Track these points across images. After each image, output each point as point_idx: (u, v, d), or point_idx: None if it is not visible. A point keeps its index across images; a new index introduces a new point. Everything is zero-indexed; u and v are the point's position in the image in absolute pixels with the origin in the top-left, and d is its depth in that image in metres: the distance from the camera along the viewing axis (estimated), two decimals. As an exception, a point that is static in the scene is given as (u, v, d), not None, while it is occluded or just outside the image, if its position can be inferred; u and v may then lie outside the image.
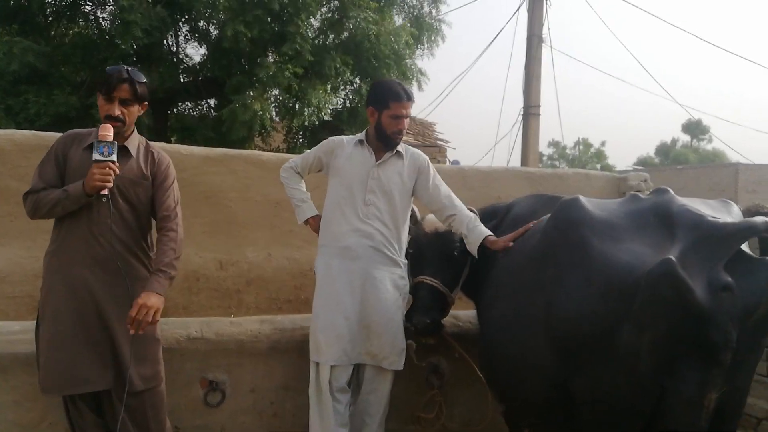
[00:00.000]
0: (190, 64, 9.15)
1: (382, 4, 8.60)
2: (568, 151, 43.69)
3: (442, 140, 11.25)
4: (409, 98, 2.76)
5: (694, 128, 40.00)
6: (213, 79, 8.66)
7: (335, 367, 2.63)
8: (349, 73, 8.13)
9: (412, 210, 2.99)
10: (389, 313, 2.69)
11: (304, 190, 2.94)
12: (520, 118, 11.46)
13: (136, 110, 2.42)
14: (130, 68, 2.37)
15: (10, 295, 3.58)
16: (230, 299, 4.00)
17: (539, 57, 11.13)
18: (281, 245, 4.11)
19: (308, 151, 2.98)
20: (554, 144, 43.11)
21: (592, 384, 1.87)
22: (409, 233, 2.98)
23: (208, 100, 9.42)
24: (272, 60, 7.23)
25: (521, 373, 2.15)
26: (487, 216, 3.03)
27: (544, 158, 42.94)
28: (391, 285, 2.73)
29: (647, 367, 1.71)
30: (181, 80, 8.89)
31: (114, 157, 2.24)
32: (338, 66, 7.72)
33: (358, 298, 2.66)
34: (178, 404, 2.87)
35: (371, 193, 2.73)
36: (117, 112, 2.32)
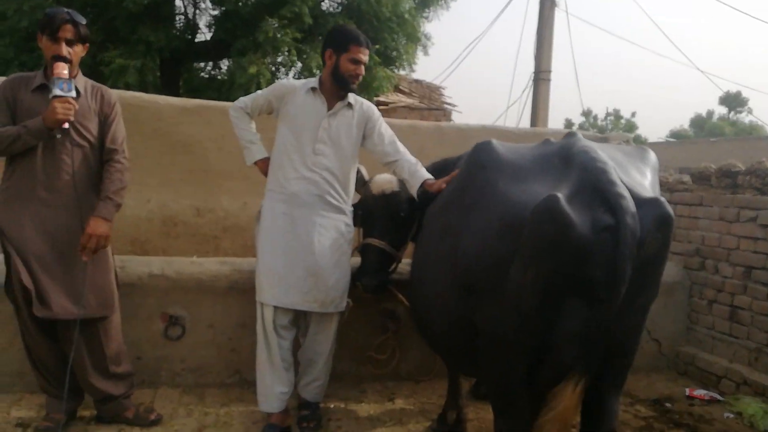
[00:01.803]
0: (199, 26, 9.19)
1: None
2: (600, 122, 42.45)
3: (448, 104, 11.15)
4: (368, 45, 2.77)
5: (732, 101, 37.82)
6: (222, 42, 8.68)
7: (278, 307, 2.70)
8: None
9: (360, 172, 3.00)
10: (334, 258, 2.74)
11: (254, 131, 2.89)
12: (531, 83, 11.24)
13: (80, 50, 2.49)
14: (69, 10, 2.44)
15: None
16: (207, 245, 4.14)
17: (551, 21, 10.82)
18: (256, 195, 4.14)
19: (259, 91, 2.95)
20: (586, 113, 41.85)
21: (488, 319, 1.92)
22: (359, 194, 3.03)
23: (218, 62, 9.47)
24: (273, 24, 7.20)
25: (434, 311, 2.22)
26: (438, 168, 3.06)
27: (574, 127, 41.92)
28: (336, 231, 2.77)
29: (532, 302, 1.75)
30: (192, 41, 8.93)
31: (73, 93, 2.35)
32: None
33: (303, 245, 2.68)
34: (140, 337, 3.04)
35: (321, 143, 2.73)
36: (65, 52, 2.39)
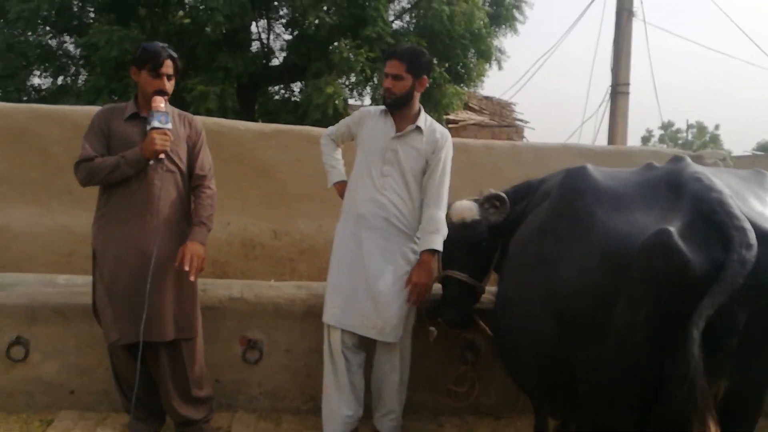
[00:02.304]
0: (275, 51, 9.48)
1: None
2: (680, 134, 40.23)
3: (520, 120, 10.89)
4: (393, 56, 2.69)
5: None
6: (296, 65, 8.92)
7: (344, 329, 2.67)
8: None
9: None
10: (396, 286, 2.66)
11: (338, 157, 2.99)
12: (608, 97, 10.81)
13: (173, 84, 2.59)
14: (165, 45, 2.55)
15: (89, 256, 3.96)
16: (284, 267, 4.17)
17: (629, 32, 10.40)
18: (332, 218, 4.16)
19: (343, 119, 3.03)
20: (666, 126, 39.70)
21: (589, 360, 1.77)
22: None
23: (292, 86, 9.72)
24: (347, 45, 7.32)
25: (522, 347, 2.08)
26: (521, 194, 2.91)
27: (653, 140, 39.93)
28: (401, 258, 2.71)
29: (641, 344, 1.60)
30: (266, 66, 9.23)
31: (170, 125, 2.47)
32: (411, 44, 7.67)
33: (365, 267, 2.65)
34: (219, 359, 3.06)
35: (388, 165, 2.71)
36: (166, 87, 2.52)
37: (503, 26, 9.72)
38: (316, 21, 7.36)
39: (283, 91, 10.10)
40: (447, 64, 8.59)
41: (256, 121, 9.10)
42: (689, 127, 40.21)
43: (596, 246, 1.74)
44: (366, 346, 2.78)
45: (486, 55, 8.97)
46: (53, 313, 2.91)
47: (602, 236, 1.74)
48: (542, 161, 4.21)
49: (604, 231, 1.74)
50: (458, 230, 2.76)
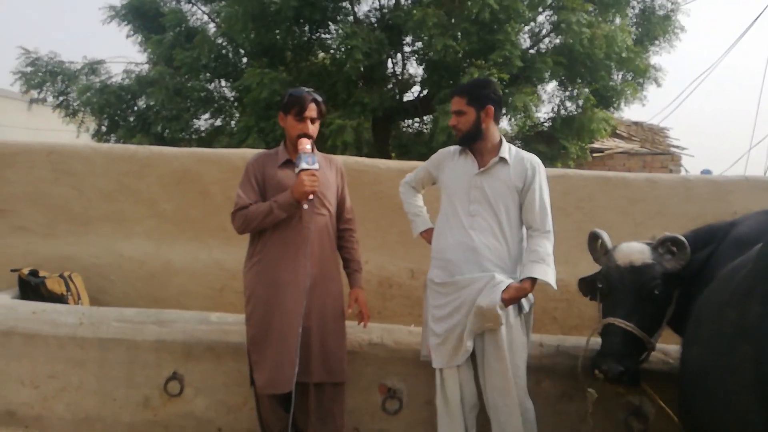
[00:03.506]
0: (409, 83, 9.62)
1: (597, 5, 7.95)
2: None
3: (676, 146, 9.86)
4: (453, 94, 2.67)
5: None
6: (429, 97, 8.97)
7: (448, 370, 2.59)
8: (562, 76, 7.65)
9: (601, 237, 2.63)
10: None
11: (420, 204, 2.93)
12: (783, 118, 9.48)
13: (318, 126, 2.61)
14: (310, 89, 2.58)
15: (239, 290, 4.16)
16: (420, 307, 4.01)
17: (811, 43, 9.10)
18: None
19: (422, 164, 2.94)
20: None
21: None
22: (599, 265, 2.64)
23: (424, 117, 9.78)
24: (477, 69, 7.18)
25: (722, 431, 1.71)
26: (703, 239, 2.51)
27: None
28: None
29: None
30: (401, 99, 9.39)
31: (317, 166, 2.49)
32: (549, 69, 7.33)
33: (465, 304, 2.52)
34: (358, 406, 2.99)
35: (475, 204, 2.56)
36: (310, 130, 2.56)
37: (655, 42, 8.97)
38: (443, 49, 7.30)
39: (417, 125, 10.21)
40: (591, 88, 8.09)
41: (389, 153, 9.26)
42: None
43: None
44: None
45: (640, 73, 8.28)
46: (206, 350, 3.03)
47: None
48: (720, 197, 3.68)
49: None
50: (625, 274, 2.45)
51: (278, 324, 2.46)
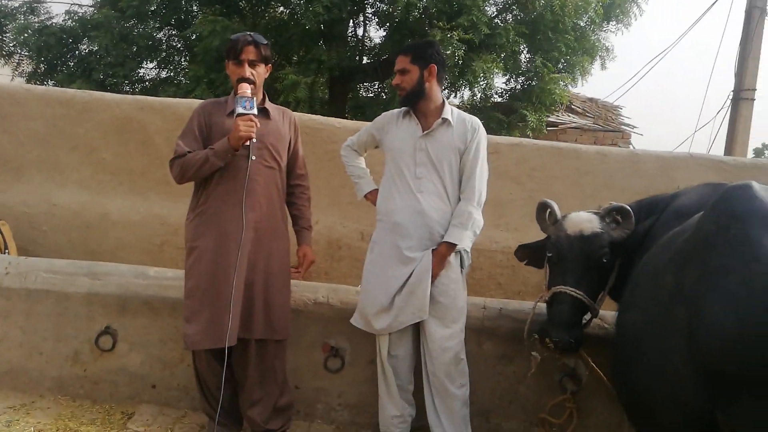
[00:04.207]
0: (370, 45, 9.44)
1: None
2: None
3: (627, 125, 10.14)
4: (398, 53, 2.64)
5: None
6: (389, 60, 8.83)
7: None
8: (523, 48, 7.66)
9: (551, 207, 2.67)
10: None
11: (363, 166, 2.92)
12: (728, 102, 9.85)
13: (263, 71, 2.50)
14: (252, 33, 2.47)
15: (181, 246, 4.03)
16: (369, 271, 4.03)
17: (760, 33, 9.42)
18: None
19: (364, 127, 2.92)
20: (779, 142, 36.15)
21: (747, 424, 1.46)
22: (547, 234, 2.68)
23: (384, 82, 9.65)
24: (440, 31, 7.07)
25: (652, 395, 1.77)
26: (646, 210, 2.59)
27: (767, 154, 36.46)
28: (453, 272, 2.57)
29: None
30: (360, 60, 9.21)
31: (255, 111, 2.37)
32: (511, 38, 7.30)
33: (404, 275, 2.55)
34: (300, 365, 2.97)
35: (421, 166, 2.57)
36: (248, 73, 2.42)
37: (613, 21, 9.08)
38: (405, 8, 7.14)
39: (375, 87, 10.07)
40: (551, 55, 8.14)
41: (345, 115, 9.12)
42: (812, 140, 36.18)
43: (761, 282, 1.43)
44: (414, 352, 2.72)
45: (591, 52, 8.41)
46: (142, 304, 2.93)
47: (770, 271, 1.42)
48: (665, 173, 3.79)
49: (773, 266, 1.42)
50: (575, 243, 2.48)
51: (219, 277, 2.38)
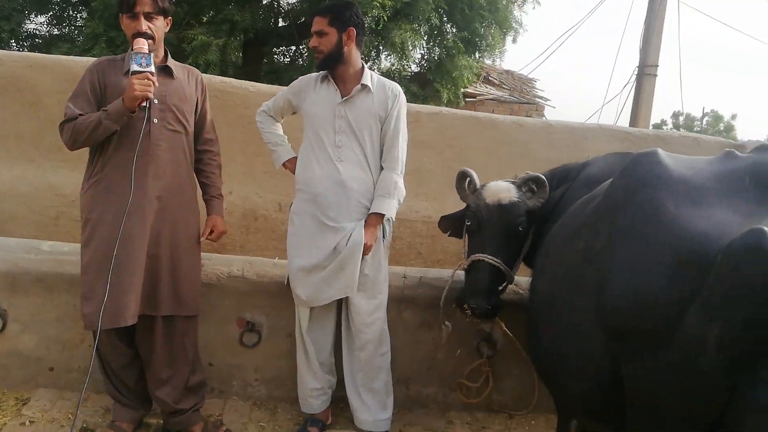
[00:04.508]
0: (286, 8, 9.09)
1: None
2: (695, 123, 39.55)
3: (541, 97, 10.54)
4: (315, 14, 2.55)
5: None
6: (306, 24, 8.57)
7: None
8: (438, 20, 7.67)
9: (470, 176, 2.70)
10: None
11: (280, 133, 2.81)
12: (634, 77, 10.45)
13: (162, 24, 2.32)
14: None
15: (78, 219, 3.75)
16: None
17: (663, 11, 10.00)
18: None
19: (280, 91, 2.83)
20: (677, 115, 39.31)
21: (646, 378, 1.55)
22: (466, 203, 2.72)
23: (301, 46, 9.38)
24: (358, -5, 6.94)
25: (563, 354, 1.86)
26: (559, 179, 2.69)
27: (666, 128, 39.40)
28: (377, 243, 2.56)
29: (714, 363, 1.37)
30: (277, 24, 8.87)
31: (152, 69, 2.17)
32: (431, 10, 7.29)
33: (326, 246, 2.52)
34: (213, 340, 2.87)
35: (341, 134, 2.52)
36: (144, 27, 2.23)
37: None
38: None
39: (292, 52, 9.76)
40: (464, 34, 8.23)
41: (260, 80, 8.79)
42: (704, 115, 39.59)
43: (665, 245, 1.51)
44: (335, 325, 2.71)
45: (504, 25, 8.58)
46: (35, 281, 2.71)
47: (673, 234, 1.51)
48: (577, 143, 3.96)
49: (675, 228, 1.51)
50: (493, 212, 2.54)
51: (119, 250, 2.21)
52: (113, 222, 2.23)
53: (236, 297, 2.87)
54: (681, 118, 38.52)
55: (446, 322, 2.72)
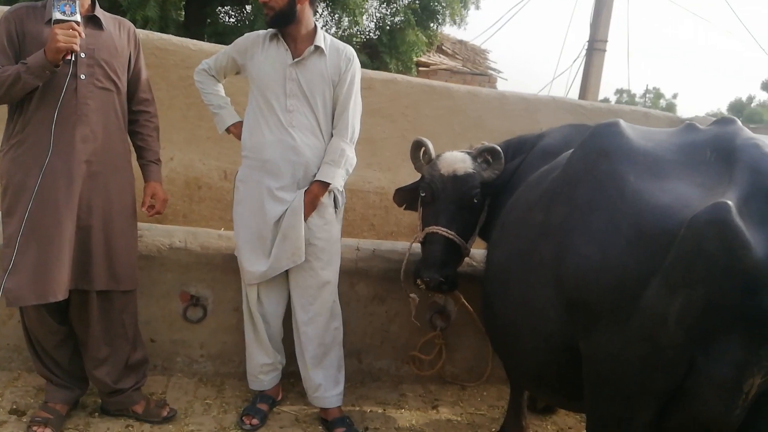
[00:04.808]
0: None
1: None
2: (637, 99, 41.10)
3: (493, 69, 10.57)
4: None
5: None
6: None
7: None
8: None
9: (425, 146, 2.64)
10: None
11: (222, 94, 2.62)
12: (584, 52, 10.62)
13: None
14: None
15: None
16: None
17: (613, -14, 10.14)
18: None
19: (222, 49, 2.65)
20: (621, 92, 40.73)
21: (605, 351, 1.55)
22: (421, 173, 2.66)
23: (246, 6, 8.99)
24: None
25: (518, 327, 1.85)
26: (514, 150, 2.67)
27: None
28: (319, 211, 2.46)
29: (674, 337, 1.39)
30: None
31: (78, 18, 1.97)
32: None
33: (274, 220, 2.41)
34: (155, 316, 2.75)
35: (293, 98, 2.39)
36: None
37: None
38: None
39: (237, 13, 9.36)
40: (413, 6, 8.11)
41: (202, 40, 8.39)
42: (647, 92, 41.29)
43: (626, 218, 1.51)
44: (285, 299, 2.62)
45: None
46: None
47: (634, 207, 1.50)
48: (530, 114, 3.96)
49: (637, 200, 1.50)
50: (448, 183, 2.49)
51: (46, 220, 2.03)
52: (37, 188, 2.04)
53: (179, 270, 2.74)
54: (625, 95, 40.04)
55: (412, 294, 2.69)
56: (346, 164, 2.47)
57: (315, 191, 2.42)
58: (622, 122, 1.69)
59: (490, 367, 3.05)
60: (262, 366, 2.59)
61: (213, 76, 2.60)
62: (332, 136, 2.48)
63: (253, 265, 2.45)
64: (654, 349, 1.41)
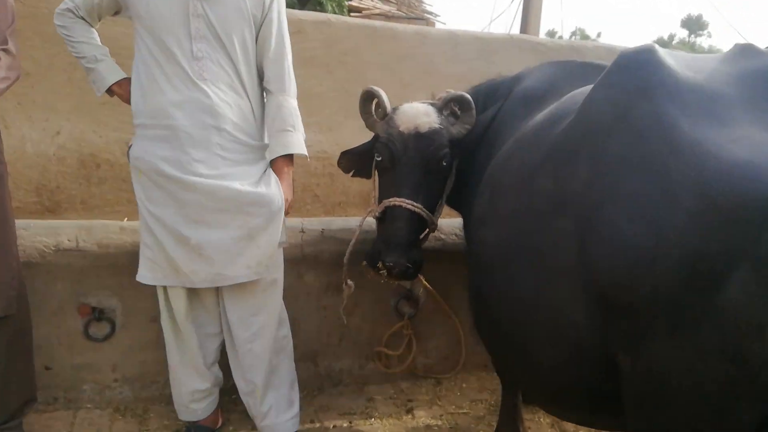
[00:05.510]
0: None
1: None
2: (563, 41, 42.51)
3: (430, 12, 10.03)
4: None
5: (693, 24, 40.86)
6: None
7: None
8: None
9: (379, 97, 2.14)
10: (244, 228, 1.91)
11: (98, 43, 2.02)
12: (522, -8, 10.28)
13: None
14: None
15: None
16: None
17: None
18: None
19: None
20: (551, 34, 41.75)
21: (659, 371, 1.16)
22: (375, 131, 2.18)
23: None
24: None
25: (530, 335, 1.44)
26: (484, 98, 2.23)
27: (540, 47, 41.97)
28: (252, 184, 1.93)
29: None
30: None
31: None
32: None
33: (198, 203, 1.88)
34: (47, 338, 2.22)
35: (201, 41, 1.85)
36: None
37: None
38: None
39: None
40: None
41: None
42: (573, 34, 42.54)
43: (684, 181, 1.10)
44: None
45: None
46: None
47: (695, 165, 1.09)
48: (486, 56, 3.52)
49: (698, 156, 1.09)
50: (410, 143, 2.03)
51: None
52: None
53: (72, 277, 2.20)
54: (557, 36, 40.91)
55: (348, 281, 2.22)
56: (299, 125, 2.01)
57: (285, 170, 1.97)
58: (658, 48, 1.26)
59: (465, 352, 2.69)
60: (193, 393, 2.10)
61: (82, 17, 1.96)
62: (264, 92, 1.98)
63: (193, 263, 1.90)
64: (742, 371, 1.03)
